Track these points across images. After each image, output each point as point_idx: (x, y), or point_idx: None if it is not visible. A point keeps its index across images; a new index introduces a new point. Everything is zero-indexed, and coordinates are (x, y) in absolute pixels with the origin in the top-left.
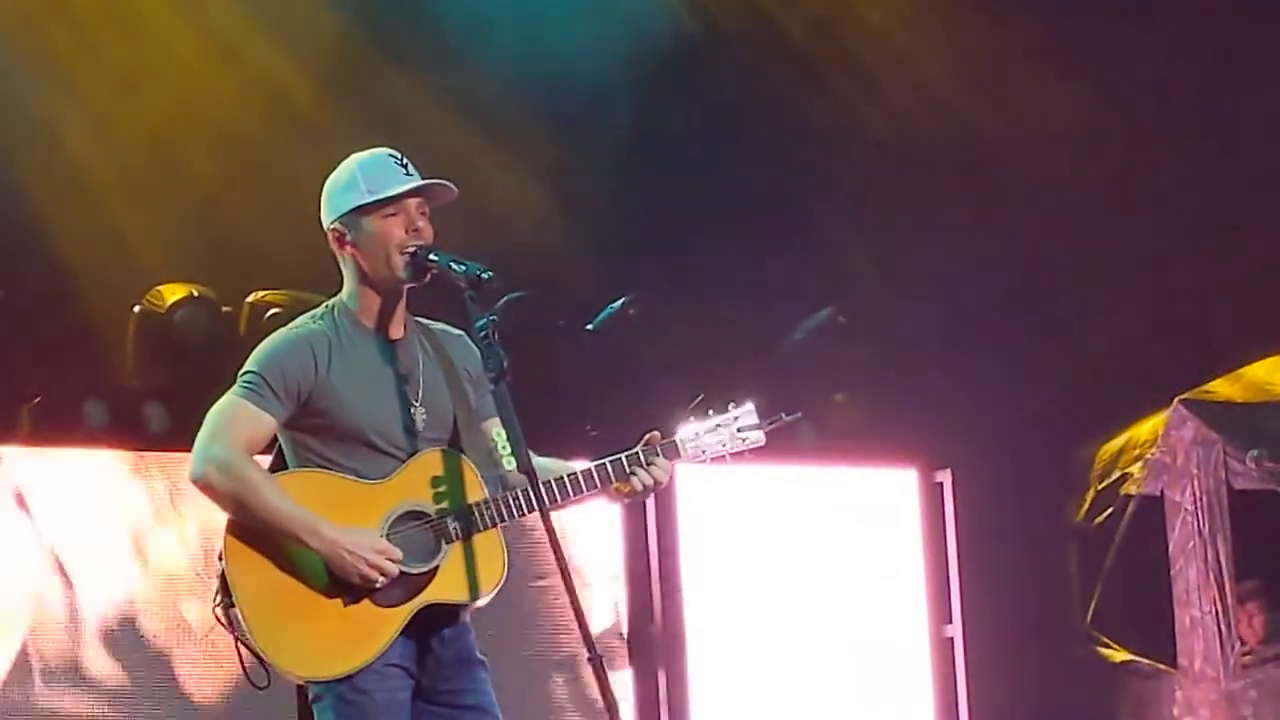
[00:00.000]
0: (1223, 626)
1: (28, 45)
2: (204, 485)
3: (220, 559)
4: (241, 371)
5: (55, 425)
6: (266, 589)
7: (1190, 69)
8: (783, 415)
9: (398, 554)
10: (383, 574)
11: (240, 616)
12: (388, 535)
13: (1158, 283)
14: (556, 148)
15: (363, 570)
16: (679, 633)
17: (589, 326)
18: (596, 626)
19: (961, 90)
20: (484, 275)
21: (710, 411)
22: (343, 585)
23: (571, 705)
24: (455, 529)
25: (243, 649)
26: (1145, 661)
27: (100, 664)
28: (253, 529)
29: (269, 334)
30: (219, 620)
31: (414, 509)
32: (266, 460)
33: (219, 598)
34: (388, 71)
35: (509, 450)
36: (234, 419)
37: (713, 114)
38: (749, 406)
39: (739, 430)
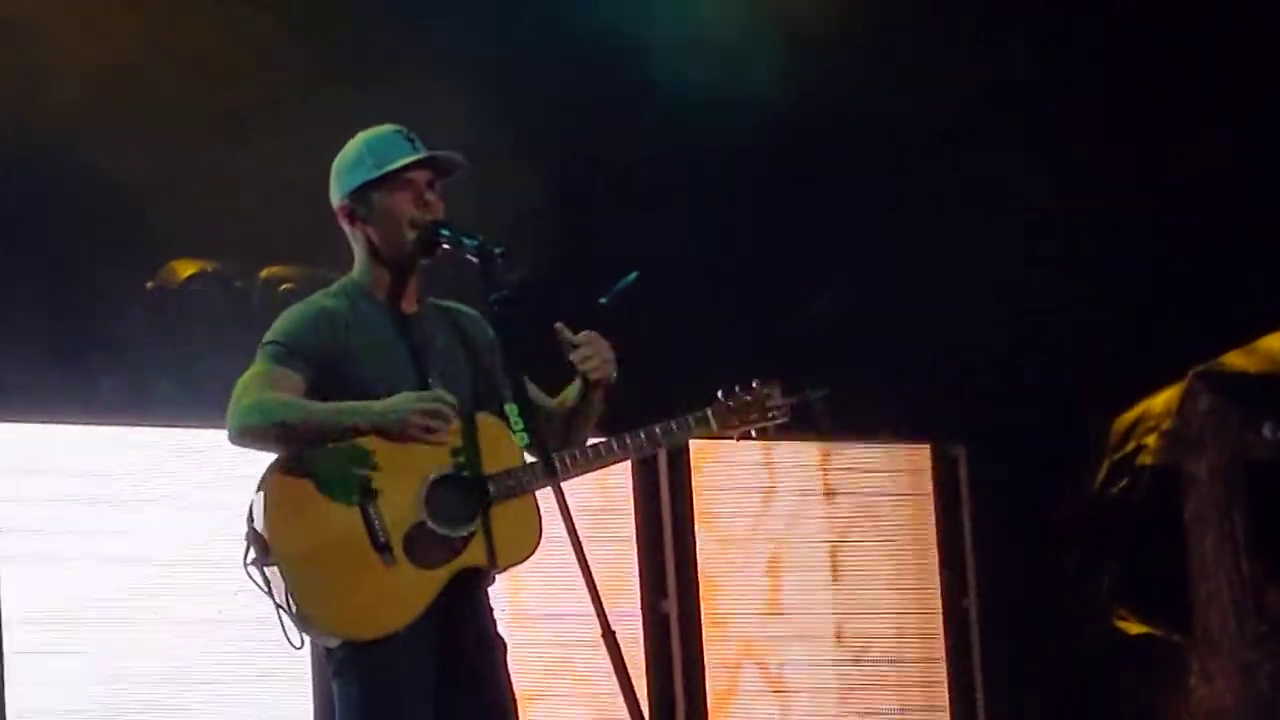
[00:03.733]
0: (1239, 598)
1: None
2: (244, 433)
3: (251, 517)
4: (263, 342)
5: (69, 401)
6: (307, 548)
7: None
8: (809, 392)
9: (449, 397)
10: (442, 415)
11: (281, 573)
12: (426, 499)
13: (1173, 254)
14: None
15: (422, 422)
16: (693, 607)
17: (601, 300)
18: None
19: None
20: (495, 250)
21: (737, 388)
22: (382, 547)
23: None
24: (492, 494)
25: (278, 607)
26: (1161, 634)
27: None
28: (294, 484)
29: (283, 309)
30: (251, 578)
31: (452, 473)
32: None
33: (251, 555)
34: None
35: (522, 426)
36: (261, 378)
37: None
38: (775, 383)
39: (766, 406)
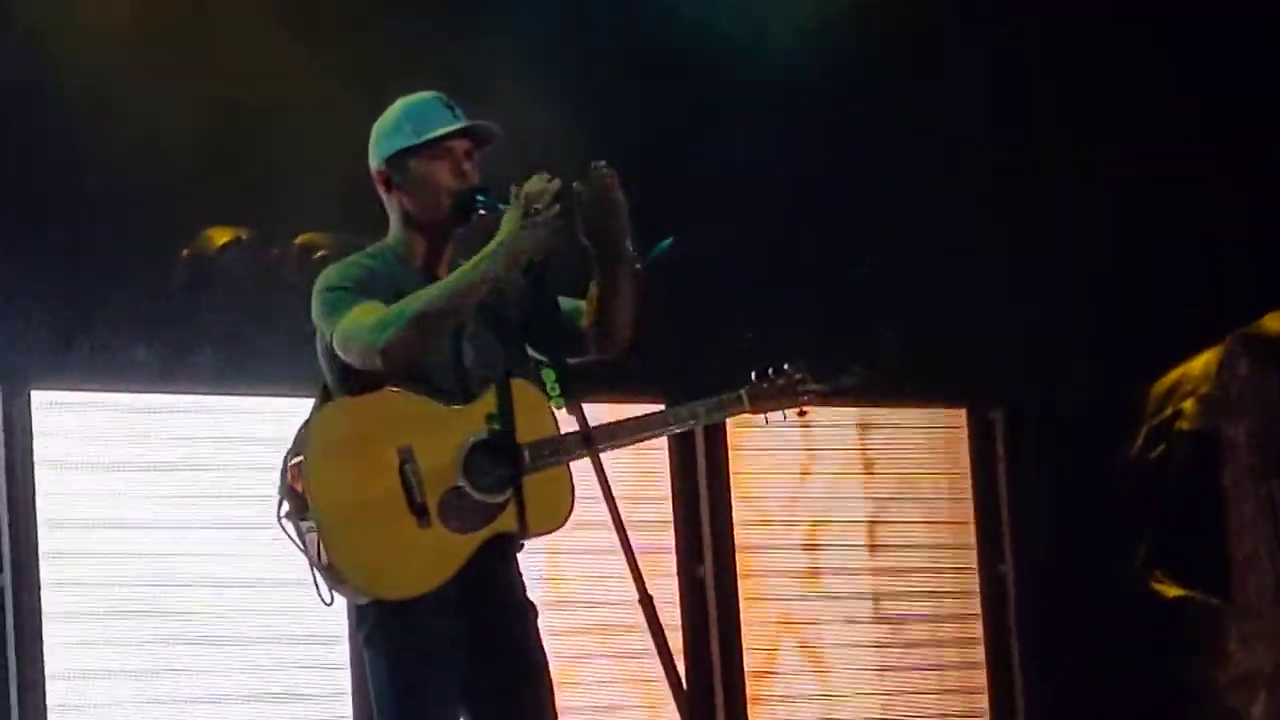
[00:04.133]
0: (1278, 562)
1: None
2: (390, 347)
3: (286, 471)
4: (324, 289)
5: (105, 369)
6: (342, 504)
7: None
8: (840, 377)
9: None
10: (547, 192)
11: (316, 527)
12: (464, 462)
13: (1214, 216)
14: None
15: (545, 217)
16: (730, 573)
17: (638, 266)
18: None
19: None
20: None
21: (771, 371)
22: (418, 508)
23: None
24: (528, 463)
25: (310, 563)
26: (1199, 598)
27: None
28: (334, 440)
29: (318, 274)
30: (285, 531)
31: (489, 438)
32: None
33: (285, 508)
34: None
35: (559, 391)
36: (359, 311)
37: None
38: (807, 367)
39: (798, 390)
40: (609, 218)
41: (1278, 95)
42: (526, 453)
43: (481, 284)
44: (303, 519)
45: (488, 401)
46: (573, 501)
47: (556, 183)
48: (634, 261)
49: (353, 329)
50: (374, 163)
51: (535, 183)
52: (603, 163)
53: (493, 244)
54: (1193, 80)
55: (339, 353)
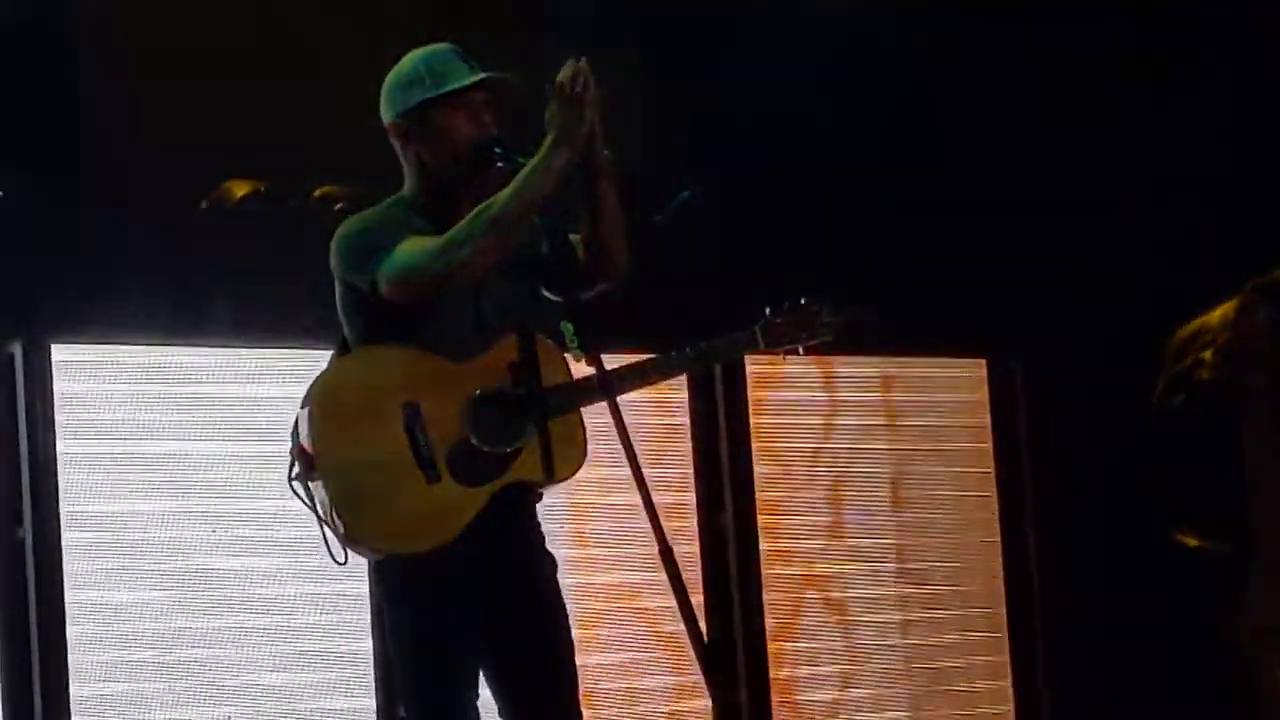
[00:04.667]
0: None
1: None
2: (465, 261)
3: (296, 432)
4: (352, 235)
5: (123, 321)
6: (352, 463)
7: None
8: (857, 309)
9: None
10: (579, 74)
11: (324, 486)
12: (471, 415)
13: (1229, 168)
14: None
15: (575, 110)
16: (751, 527)
17: (655, 217)
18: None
19: None
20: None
21: (786, 305)
22: (426, 463)
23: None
24: (537, 411)
25: (321, 523)
26: (1219, 549)
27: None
28: (340, 401)
29: (337, 225)
30: (295, 493)
31: (498, 390)
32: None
33: (296, 469)
34: None
35: (577, 342)
36: (410, 242)
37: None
38: (823, 302)
39: (816, 323)
40: (586, 111)
41: None
42: (533, 403)
43: (549, 177)
44: (313, 479)
45: (496, 353)
46: (586, 447)
47: (585, 62)
48: (613, 167)
49: (414, 257)
50: (390, 115)
51: (567, 68)
52: (582, 57)
53: (547, 140)
54: (1219, 37)
55: (388, 289)
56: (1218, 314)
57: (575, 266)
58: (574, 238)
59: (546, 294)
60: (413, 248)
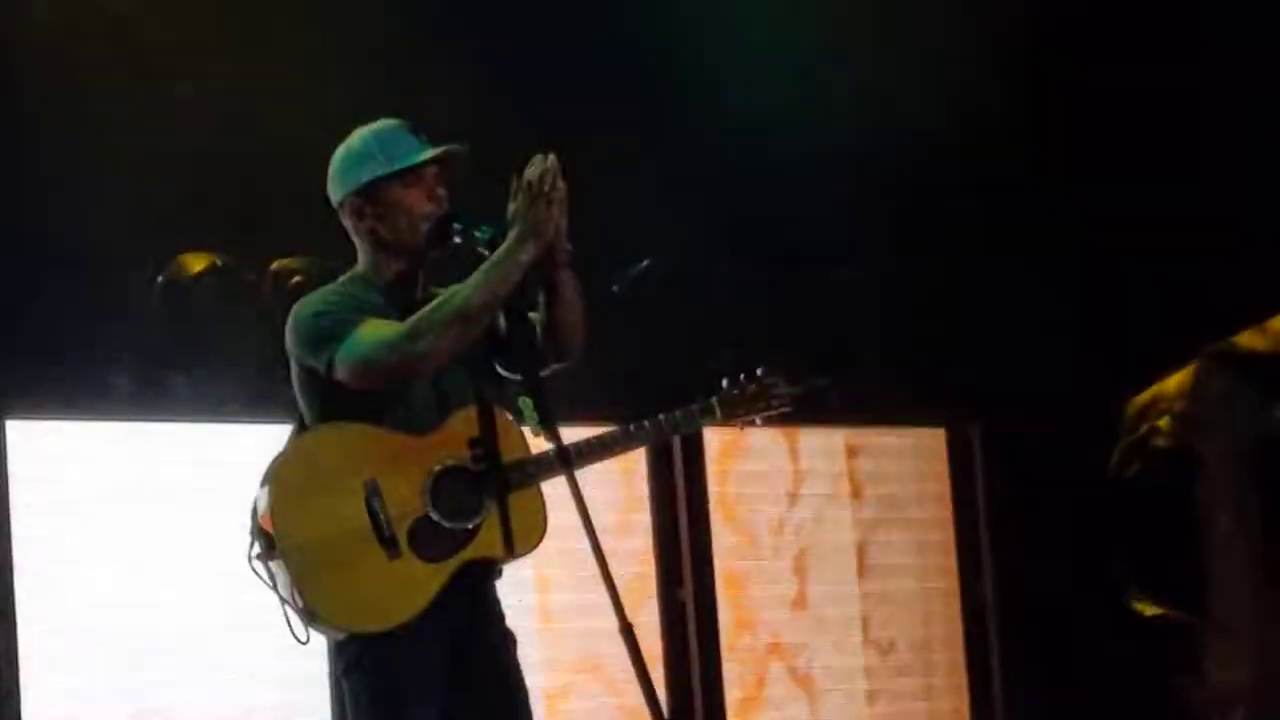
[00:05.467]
0: (1255, 578)
1: None
2: (429, 352)
3: (256, 510)
4: (311, 316)
5: (80, 397)
6: (312, 541)
7: None
8: (813, 380)
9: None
10: (546, 171)
11: (285, 566)
12: (431, 491)
13: (1185, 231)
14: None
15: (543, 207)
16: (710, 600)
17: (614, 288)
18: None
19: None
20: (503, 238)
21: (743, 377)
22: (386, 540)
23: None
24: (496, 486)
25: (282, 602)
26: (1176, 615)
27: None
28: (299, 478)
29: (293, 302)
30: (256, 572)
31: (456, 464)
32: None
33: (256, 548)
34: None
35: (536, 417)
36: (369, 326)
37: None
38: (780, 371)
39: (771, 395)
40: (551, 208)
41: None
42: (492, 477)
43: (513, 272)
44: (273, 558)
45: (454, 428)
46: (546, 521)
47: (554, 158)
48: (572, 258)
49: (372, 347)
50: (341, 192)
51: (535, 164)
52: (550, 154)
53: (513, 234)
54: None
55: (344, 375)
56: (1173, 382)
57: (534, 346)
58: (533, 316)
59: (503, 372)
60: (372, 335)
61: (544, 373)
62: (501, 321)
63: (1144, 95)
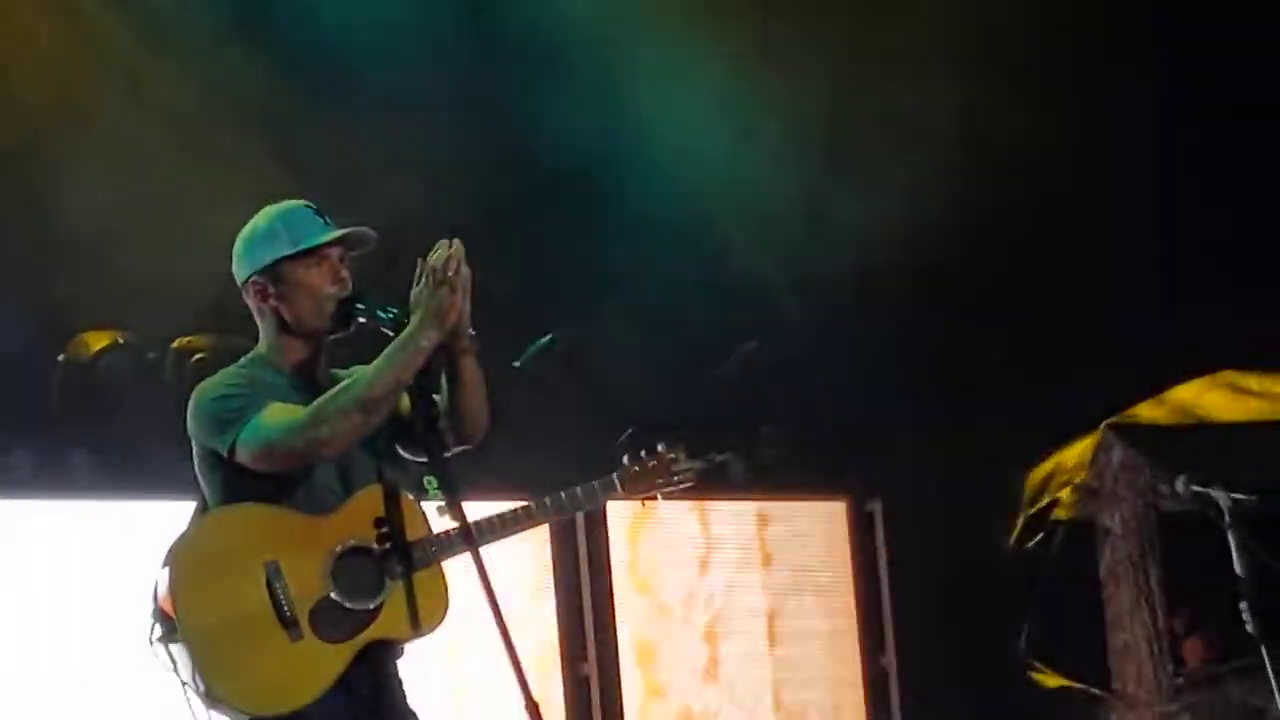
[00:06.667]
0: (1156, 650)
1: None
2: (331, 438)
3: (156, 594)
4: (212, 400)
5: None
6: (212, 623)
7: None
8: (714, 455)
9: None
10: (452, 259)
11: (186, 650)
12: (332, 572)
13: (1085, 305)
14: None
15: (451, 286)
16: (614, 674)
17: (515, 363)
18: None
19: None
20: (407, 321)
21: (644, 452)
22: (288, 621)
23: None
24: (398, 565)
25: (184, 685)
26: (1079, 687)
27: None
28: (200, 560)
29: (195, 380)
30: (156, 655)
31: (358, 545)
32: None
33: (157, 631)
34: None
35: (440, 495)
36: (272, 411)
37: None
38: (680, 447)
39: (672, 470)
40: (454, 294)
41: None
42: (393, 557)
43: (416, 357)
44: (173, 641)
45: (357, 508)
46: (448, 599)
47: (459, 245)
48: (474, 343)
49: (274, 432)
50: (246, 272)
51: (440, 250)
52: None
53: (415, 318)
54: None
55: (246, 458)
56: (1074, 453)
57: (437, 427)
58: (436, 398)
59: (405, 453)
60: (275, 419)
61: (447, 454)
62: (405, 402)
63: None
